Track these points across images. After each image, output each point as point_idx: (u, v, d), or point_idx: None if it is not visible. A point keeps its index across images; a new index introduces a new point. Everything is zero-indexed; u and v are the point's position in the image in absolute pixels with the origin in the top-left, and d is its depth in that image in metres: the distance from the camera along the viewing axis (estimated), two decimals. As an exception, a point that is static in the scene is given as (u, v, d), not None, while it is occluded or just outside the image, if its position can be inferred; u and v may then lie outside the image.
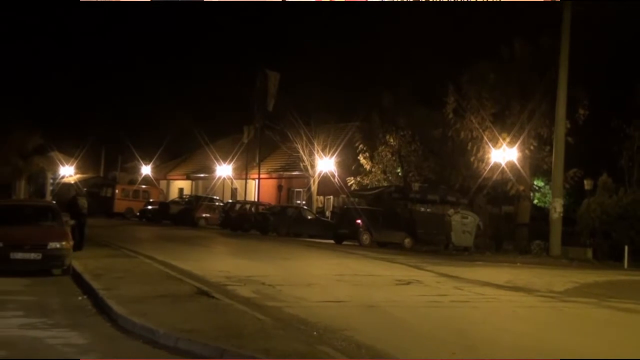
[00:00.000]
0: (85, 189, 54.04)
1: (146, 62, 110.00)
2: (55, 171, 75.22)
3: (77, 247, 23.93)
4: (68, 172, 75.38)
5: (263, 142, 60.60)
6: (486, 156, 38.09)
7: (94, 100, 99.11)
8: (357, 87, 62.35)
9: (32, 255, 19.75)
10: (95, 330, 12.77)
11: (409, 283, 20.95)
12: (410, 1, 20.46)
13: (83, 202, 29.94)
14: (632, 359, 7.96)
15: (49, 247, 20.01)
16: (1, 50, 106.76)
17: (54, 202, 31.15)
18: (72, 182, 67.09)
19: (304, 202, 55.50)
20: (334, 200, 54.06)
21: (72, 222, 25.12)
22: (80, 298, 16.49)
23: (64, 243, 20.46)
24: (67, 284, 18.73)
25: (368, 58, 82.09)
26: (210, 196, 61.67)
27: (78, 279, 19.07)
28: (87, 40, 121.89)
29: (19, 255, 19.64)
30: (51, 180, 74.07)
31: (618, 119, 36.44)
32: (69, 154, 77.48)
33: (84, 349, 11.29)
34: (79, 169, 78.04)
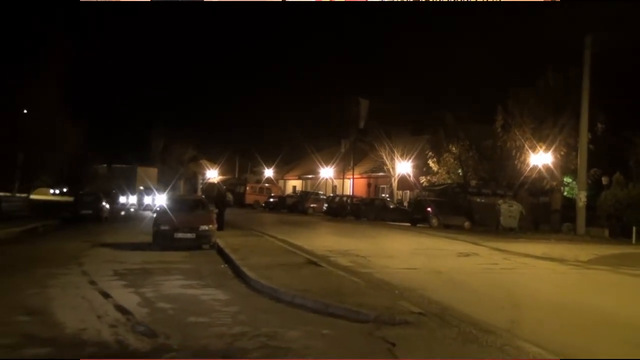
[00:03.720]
0: (225, 187, 55.25)
1: (263, 93, 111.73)
2: (203, 174, 76.81)
3: (220, 229, 24.50)
4: (212, 174, 76.74)
5: (356, 152, 60.70)
6: (527, 160, 37.90)
7: (230, 120, 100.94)
8: (426, 105, 62.50)
9: (189, 235, 20.47)
10: (234, 289, 12.98)
11: (468, 255, 20.84)
12: (412, 1, 19.08)
13: (229, 197, 30.91)
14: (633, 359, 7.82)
15: (200, 229, 20.67)
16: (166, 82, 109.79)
17: (203, 196, 31.91)
18: (216, 182, 68.29)
19: (387, 195, 55.28)
20: (409, 194, 53.89)
21: (216, 210, 25.98)
22: (222, 266, 16.78)
23: (210, 226, 21.11)
24: (213, 256, 19.06)
25: (434, 84, 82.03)
26: (316, 191, 61.87)
27: (221, 252, 19.42)
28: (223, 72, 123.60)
29: (180, 235, 20.41)
30: (201, 181, 75.66)
31: (627, 130, 35.97)
32: (213, 161, 78.97)
33: (227, 302, 11.47)
34: (220, 172, 79.34)
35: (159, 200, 52.10)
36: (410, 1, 47.38)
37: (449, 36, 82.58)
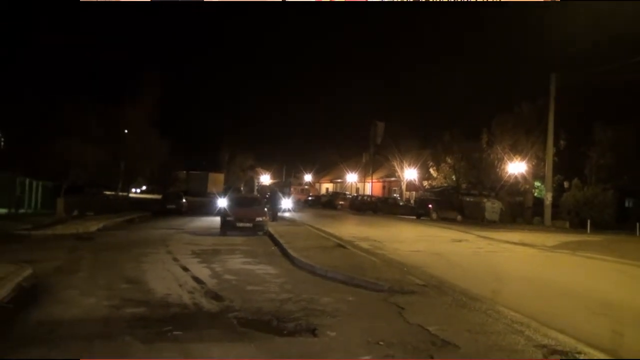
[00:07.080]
0: (275, 188, 55.54)
1: (304, 116, 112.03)
2: (258, 178, 76.98)
3: (272, 220, 24.68)
4: (266, 178, 76.99)
5: (374, 162, 60.59)
6: (506, 168, 37.65)
7: (279, 137, 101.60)
8: (429, 126, 62.37)
9: (247, 225, 20.55)
10: (281, 265, 12.99)
11: (460, 241, 20.76)
12: (412, 1, 18.08)
13: (280, 196, 31.11)
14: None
15: (256, 220, 20.69)
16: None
17: (259, 195, 32.14)
18: (268, 184, 68.53)
19: (397, 195, 55.13)
20: (415, 194, 53.62)
21: (268, 206, 26.10)
22: (272, 248, 16.72)
23: (264, 218, 21.15)
24: (265, 240, 19.00)
25: (435, 109, 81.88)
26: (343, 192, 61.76)
27: (271, 237, 19.36)
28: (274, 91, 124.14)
29: (241, 224, 20.54)
30: (257, 184, 75.92)
31: (583, 146, 35.80)
32: (266, 168, 79.21)
33: (276, 275, 11.45)
34: (272, 176, 79.58)
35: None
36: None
37: (452, 70, 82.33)
